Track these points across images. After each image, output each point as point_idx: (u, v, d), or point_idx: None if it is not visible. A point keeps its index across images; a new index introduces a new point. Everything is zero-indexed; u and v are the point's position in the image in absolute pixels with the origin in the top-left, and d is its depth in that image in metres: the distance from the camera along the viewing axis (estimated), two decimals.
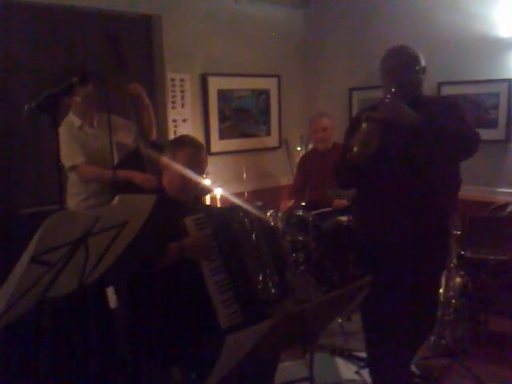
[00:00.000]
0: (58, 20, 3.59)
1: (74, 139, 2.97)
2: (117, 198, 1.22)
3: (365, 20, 4.58)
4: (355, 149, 2.16)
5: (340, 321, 3.46)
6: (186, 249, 2.12)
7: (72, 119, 3.04)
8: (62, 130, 2.86)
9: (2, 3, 3.26)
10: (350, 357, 3.21)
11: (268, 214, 3.69)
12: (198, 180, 2.29)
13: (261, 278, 2.27)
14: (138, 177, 2.87)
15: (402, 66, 2.33)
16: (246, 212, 2.40)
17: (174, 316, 2.13)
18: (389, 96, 2.23)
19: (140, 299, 2.16)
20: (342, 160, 2.41)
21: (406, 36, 3.84)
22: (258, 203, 3.61)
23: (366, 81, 4.43)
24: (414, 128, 2.15)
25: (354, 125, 2.41)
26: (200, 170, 2.31)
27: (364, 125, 2.17)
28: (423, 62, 2.38)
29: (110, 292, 2.45)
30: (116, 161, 3.01)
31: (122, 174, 2.86)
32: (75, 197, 3.06)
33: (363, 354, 2.97)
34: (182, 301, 2.13)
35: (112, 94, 2.06)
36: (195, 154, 2.30)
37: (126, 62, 2.76)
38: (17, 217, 3.30)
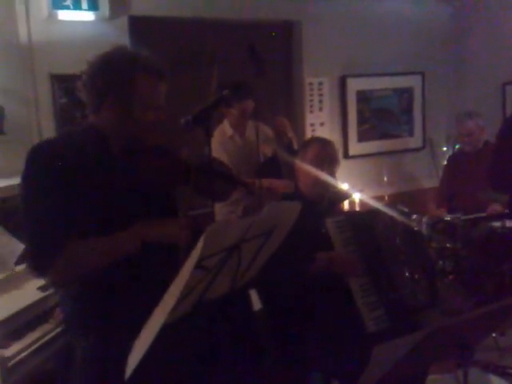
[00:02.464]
0: (201, 32, 3.76)
1: (223, 147, 3.11)
2: (267, 206, 1.25)
3: None
4: None
5: (494, 335, 3.20)
6: (333, 262, 2.11)
7: (225, 128, 3.19)
8: (213, 137, 3.01)
9: (142, 19, 3.49)
10: (505, 374, 2.94)
11: (412, 219, 3.52)
12: (329, 176, 2.30)
13: (407, 282, 2.19)
14: (279, 184, 2.93)
15: None
16: (389, 216, 2.33)
17: (317, 320, 2.13)
18: None
19: (283, 303, 2.19)
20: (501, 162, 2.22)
21: None
22: (403, 208, 3.44)
23: None
24: None
25: None
26: (330, 163, 2.32)
27: None
28: None
29: (254, 295, 2.51)
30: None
31: (265, 182, 2.93)
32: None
33: None
34: (324, 304, 2.12)
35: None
36: (321, 148, 2.33)
37: (263, 70, 2.82)
38: None
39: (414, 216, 3.64)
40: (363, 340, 2.03)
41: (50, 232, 1.40)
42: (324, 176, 2.28)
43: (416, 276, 2.22)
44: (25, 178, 1.45)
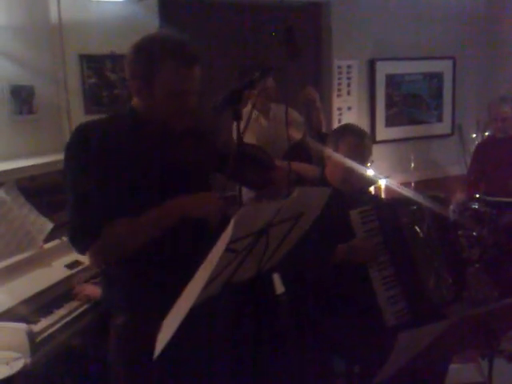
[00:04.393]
0: (229, 14, 3.73)
1: (248, 130, 3.08)
2: (296, 191, 1.25)
3: None
4: None
5: None
6: (353, 251, 2.07)
7: (249, 110, 3.16)
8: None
9: (174, 1, 3.48)
10: None
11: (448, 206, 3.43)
12: (362, 170, 2.19)
13: (432, 276, 2.13)
14: (307, 168, 2.90)
15: None
16: (418, 204, 2.25)
17: (339, 306, 2.12)
18: None
19: (306, 288, 2.19)
20: None
21: None
22: (439, 194, 3.35)
23: None
24: None
25: None
26: (363, 159, 2.20)
27: None
28: None
29: (277, 278, 2.52)
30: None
31: (294, 166, 2.90)
32: None
33: None
34: (346, 292, 2.11)
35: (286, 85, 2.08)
36: (358, 142, 2.20)
37: (298, 52, 2.79)
38: None
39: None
40: (386, 329, 2.02)
41: (90, 211, 1.43)
42: (356, 170, 2.16)
43: (442, 270, 2.16)
44: (67, 157, 1.48)
